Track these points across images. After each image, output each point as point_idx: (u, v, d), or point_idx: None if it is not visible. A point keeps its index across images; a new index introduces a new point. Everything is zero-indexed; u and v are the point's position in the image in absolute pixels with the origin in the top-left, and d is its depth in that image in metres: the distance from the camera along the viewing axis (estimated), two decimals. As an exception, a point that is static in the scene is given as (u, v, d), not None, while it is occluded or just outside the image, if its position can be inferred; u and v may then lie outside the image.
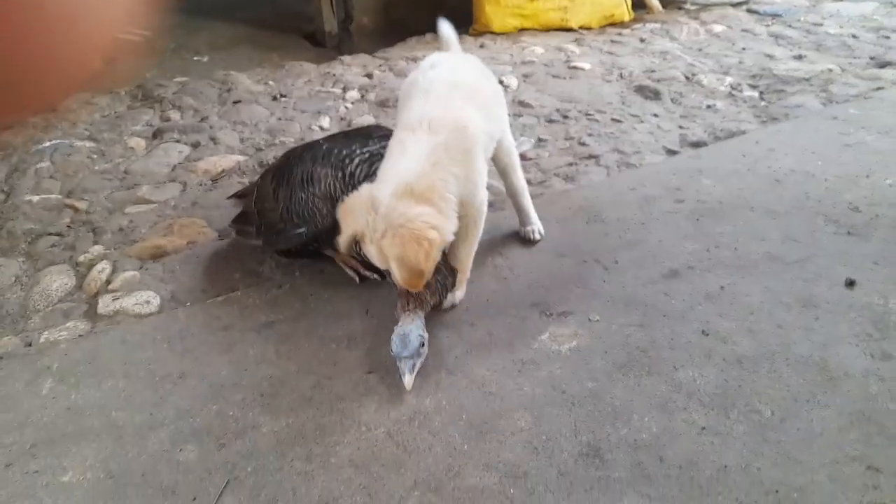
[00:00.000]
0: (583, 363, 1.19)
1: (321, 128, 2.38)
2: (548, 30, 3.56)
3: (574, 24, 3.57)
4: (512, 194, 1.58)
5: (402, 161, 1.18)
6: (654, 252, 1.49)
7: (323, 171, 1.39)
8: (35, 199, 1.97)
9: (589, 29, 3.58)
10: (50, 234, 1.80)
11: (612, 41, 3.22)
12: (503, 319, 1.32)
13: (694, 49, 3.03)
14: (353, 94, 2.65)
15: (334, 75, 2.97)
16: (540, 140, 2.21)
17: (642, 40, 3.21)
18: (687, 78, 2.68)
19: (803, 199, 1.68)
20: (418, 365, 1.16)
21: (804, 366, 1.16)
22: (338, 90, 2.75)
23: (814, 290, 1.35)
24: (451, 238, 1.18)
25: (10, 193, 2.02)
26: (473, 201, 1.26)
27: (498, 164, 1.52)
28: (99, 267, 1.59)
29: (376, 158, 1.35)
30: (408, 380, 1.12)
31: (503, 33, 3.52)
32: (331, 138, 1.61)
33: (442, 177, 1.16)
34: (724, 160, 1.90)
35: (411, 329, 1.16)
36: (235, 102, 2.68)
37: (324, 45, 4.03)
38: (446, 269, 1.28)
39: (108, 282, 1.54)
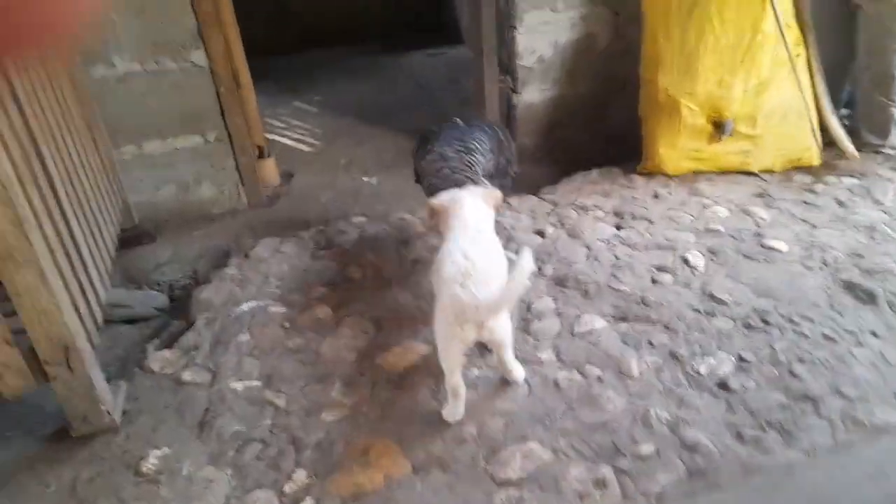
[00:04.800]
0: None
1: (501, 312, 2.35)
2: (724, 172, 3.38)
3: (755, 168, 3.36)
4: None
5: None
6: None
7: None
8: (239, 387, 2.08)
9: (771, 172, 3.36)
10: (254, 439, 1.88)
11: (805, 202, 2.97)
12: None
13: (905, 224, 2.73)
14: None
15: (505, 228, 2.96)
16: (742, 360, 2.04)
17: (840, 203, 2.94)
18: (904, 271, 2.40)
19: None
20: None
21: None
22: (513, 254, 2.71)
23: None
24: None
25: (215, 374, 2.15)
26: None
27: None
28: (305, 508, 1.62)
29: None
30: None
31: (676, 175, 3.38)
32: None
33: None
34: (981, 438, 1.65)
35: None
36: (414, 262, 2.73)
37: (484, 164, 4.07)
38: None
39: (315, 532, 1.56)
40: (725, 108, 3.24)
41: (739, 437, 1.75)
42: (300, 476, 1.73)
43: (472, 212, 2.07)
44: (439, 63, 6.61)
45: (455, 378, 1.81)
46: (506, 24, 3.73)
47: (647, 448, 1.72)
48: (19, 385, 1.80)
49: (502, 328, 1.83)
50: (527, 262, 1.62)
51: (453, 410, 1.86)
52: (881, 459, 1.62)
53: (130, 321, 2.72)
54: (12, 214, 1.60)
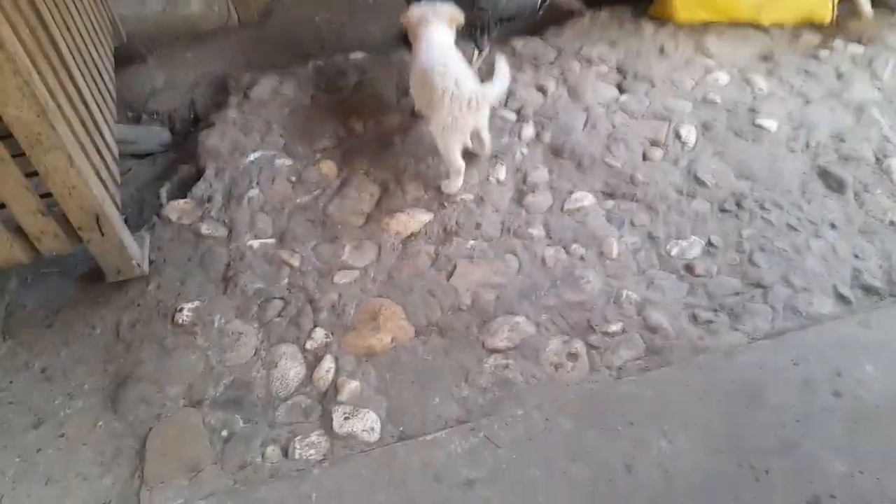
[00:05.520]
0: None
1: (498, 181, 2.49)
2: (736, 25, 3.30)
3: (766, 22, 3.29)
4: None
5: None
6: (804, 465, 1.69)
7: None
8: (255, 244, 2.27)
9: (782, 27, 3.30)
10: (274, 297, 2.13)
11: (807, 71, 2.98)
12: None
13: (894, 105, 2.80)
14: (529, 132, 2.68)
15: (507, 82, 2.95)
16: (710, 244, 2.27)
17: (839, 76, 2.96)
18: (877, 160, 2.56)
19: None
20: None
21: None
22: (511, 115, 2.77)
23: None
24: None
25: (231, 229, 2.33)
26: None
27: None
28: (325, 365, 1.93)
29: None
30: None
31: (686, 24, 3.30)
32: None
33: None
34: (892, 335, 1.96)
35: None
36: (415, 116, 2.77)
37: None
38: None
39: (335, 385, 1.88)
40: (751, -45, 3.06)
41: (694, 318, 2.05)
42: (319, 335, 2.01)
43: (439, 31, 2.46)
44: None
45: (457, 160, 2.34)
46: None
47: (615, 327, 2.02)
48: (57, 247, 1.96)
49: (486, 118, 2.36)
50: (503, 66, 2.28)
51: (454, 184, 2.39)
52: (804, 346, 1.94)
53: (136, 155, 2.80)
54: (37, 106, 1.63)
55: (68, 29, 2.19)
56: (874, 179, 2.48)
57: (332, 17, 3.59)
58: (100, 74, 2.43)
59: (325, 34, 3.42)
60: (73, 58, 2.14)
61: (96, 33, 2.58)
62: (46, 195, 1.89)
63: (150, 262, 2.22)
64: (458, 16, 2.55)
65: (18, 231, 1.91)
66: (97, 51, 2.50)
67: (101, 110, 2.27)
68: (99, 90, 2.35)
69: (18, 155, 1.75)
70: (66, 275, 2.25)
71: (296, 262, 2.22)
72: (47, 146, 1.72)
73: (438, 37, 2.44)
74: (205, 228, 2.32)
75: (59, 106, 1.79)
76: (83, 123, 2.01)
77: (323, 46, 3.36)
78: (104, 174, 2.05)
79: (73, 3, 2.39)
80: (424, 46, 2.40)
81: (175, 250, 2.27)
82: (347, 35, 3.39)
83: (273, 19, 3.55)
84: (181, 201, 2.42)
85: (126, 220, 2.36)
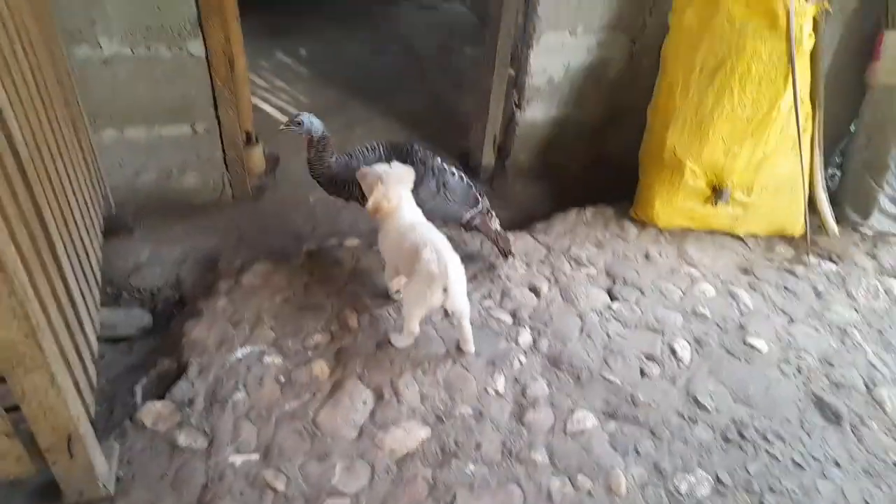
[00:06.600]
0: None
1: (497, 392, 2.40)
2: (712, 232, 3.48)
3: (741, 233, 3.48)
4: None
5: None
6: None
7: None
8: (238, 461, 2.08)
9: (755, 237, 3.48)
10: (255, 530, 1.90)
11: (787, 288, 3.10)
12: None
13: (874, 329, 2.91)
14: (526, 338, 2.65)
15: (500, 278, 2.97)
16: (719, 481, 2.19)
17: (818, 294, 3.09)
18: (867, 388, 2.59)
19: None
20: None
21: None
22: (507, 318, 2.75)
23: None
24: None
25: (212, 441, 2.13)
26: None
27: None
28: None
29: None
30: None
31: (666, 229, 3.45)
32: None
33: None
34: None
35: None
36: (389, 296, 2.71)
37: (476, 174, 4.03)
38: None
39: None
40: (727, 175, 3.29)
41: (712, 575, 1.91)
42: (304, 585, 1.78)
43: (410, 204, 2.59)
44: (432, 21, 6.32)
45: (416, 327, 2.47)
46: (521, 43, 3.59)
47: (630, 584, 1.85)
48: (17, 471, 1.74)
49: (461, 298, 2.37)
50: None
51: (405, 340, 2.52)
52: None
53: (111, 339, 2.63)
54: (27, 326, 1.50)
55: (64, 220, 2.10)
56: (868, 411, 2.50)
57: (326, 198, 3.63)
58: (88, 260, 2.32)
59: (319, 216, 3.44)
60: (67, 252, 2.03)
61: (89, 213, 2.51)
62: (13, 408, 1.70)
63: (117, 480, 1.99)
64: (412, 174, 2.61)
65: (-27, 452, 1.69)
66: (88, 234, 2.41)
67: (86, 303, 2.14)
68: (86, 279, 2.23)
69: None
70: (15, 488, 1.98)
71: (280, 486, 2.03)
72: (30, 367, 1.56)
73: (411, 210, 2.56)
74: (182, 439, 2.12)
75: (48, 319, 1.66)
76: (68, 328, 1.87)
77: (315, 228, 3.37)
78: (83, 384, 1.88)
79: (71, 185, 2.32)
80: (406, 225, 2.49)
81: (146, 465, 2.05)
82: (342, 218, 3.42)
83: (267, 196, 3.58)
84: (158, 403, 2.23)
85: (93, 423, 2.15)
